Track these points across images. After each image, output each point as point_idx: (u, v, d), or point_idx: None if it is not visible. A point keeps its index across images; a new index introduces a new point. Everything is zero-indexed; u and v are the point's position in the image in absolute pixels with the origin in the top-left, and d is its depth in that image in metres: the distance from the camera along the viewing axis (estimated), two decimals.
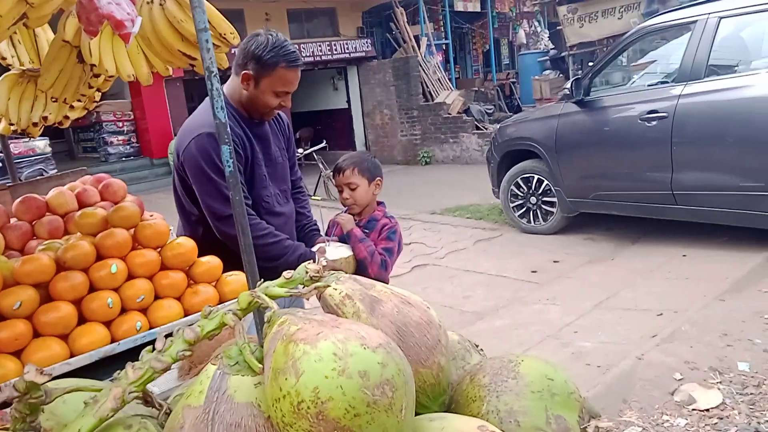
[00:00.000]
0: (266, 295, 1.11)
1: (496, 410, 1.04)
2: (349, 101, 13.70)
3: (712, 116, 4.66)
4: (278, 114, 2.37)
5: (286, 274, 1.15)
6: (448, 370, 1.12)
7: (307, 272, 1.15)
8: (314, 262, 1.99)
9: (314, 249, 2.28)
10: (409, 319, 1.09)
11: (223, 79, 2.08)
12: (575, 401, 1.05)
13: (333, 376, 0.86)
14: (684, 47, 4.99)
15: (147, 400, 1.14)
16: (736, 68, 4.93)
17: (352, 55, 13.29)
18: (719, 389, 3.00)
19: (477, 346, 1.32)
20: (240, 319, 1.09)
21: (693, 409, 2.89)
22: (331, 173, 2.55)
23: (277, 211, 2.26)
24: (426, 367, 1.07)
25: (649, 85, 5.46)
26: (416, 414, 1.04)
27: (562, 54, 13.08)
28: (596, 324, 3.97)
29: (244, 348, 1.04)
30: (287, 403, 0.87)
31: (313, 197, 9.20)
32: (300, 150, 9.82)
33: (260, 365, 0.99)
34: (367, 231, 2.48)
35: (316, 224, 2.57)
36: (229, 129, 1.82)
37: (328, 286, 1.14)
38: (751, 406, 2.87)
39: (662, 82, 5.29)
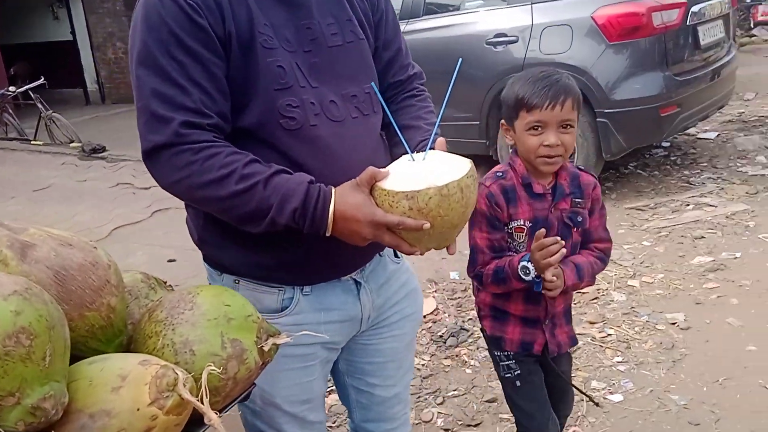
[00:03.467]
0: None
1: (172, 343, 1.02)
2: (73, 32, 12.13)
3: (429, 53, 5.03)
4: None
5: None
6: (123, 310, 1.07)
7: None
8: (325, 204, 1.11)
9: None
10: (70, 262, 1.00)
11: None
12: (252, 323, 1.08)
13: None
14: None
15: None
16: (450, 7, 5.39)
17: None
18: (434, 297, 3.39)
19: (165, 282, 1.28)
20: None
21: None
22: (520, 107, 1.55)
23: (322, 133, 1.24)
24: (93, 309, 1.01)
25: None
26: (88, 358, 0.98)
27: None
28: None
29: None
30: None
31: (33, 142, 8.11)
32: (12, 88, 8.52)
33: None
34: (578, 200, 1.64)
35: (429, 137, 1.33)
36: None
37: None
38: (458, 309, 3.29)
39: None
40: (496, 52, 4.73)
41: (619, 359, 2.72)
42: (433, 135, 1.25)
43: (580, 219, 1.64)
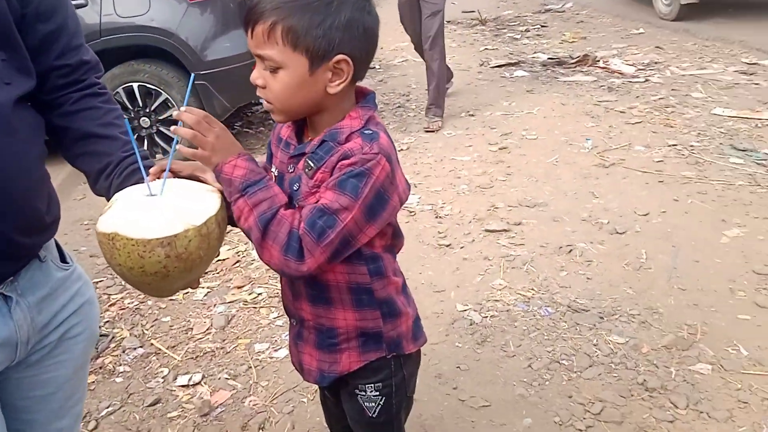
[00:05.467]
0: None
1: None
2: None
3: None
4: None
5: None
6: None
7: None
8: None
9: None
10: None
11: None
12: None
13: None
14: None
15: None
16: None
17: None
18: None
19: None
20: None
21: None
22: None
23: None
24: None
25: None
26: None
27: None
28: None
29: None
30: None
31: None
32: None
33: None
34: (312, 164, 1.11)
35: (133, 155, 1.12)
36: None
37: None
38: None
39: None
40: None
41: (275, 315, 2.69)
42: (171, 156, 1.05)
43: (296, 187, 1.14)
